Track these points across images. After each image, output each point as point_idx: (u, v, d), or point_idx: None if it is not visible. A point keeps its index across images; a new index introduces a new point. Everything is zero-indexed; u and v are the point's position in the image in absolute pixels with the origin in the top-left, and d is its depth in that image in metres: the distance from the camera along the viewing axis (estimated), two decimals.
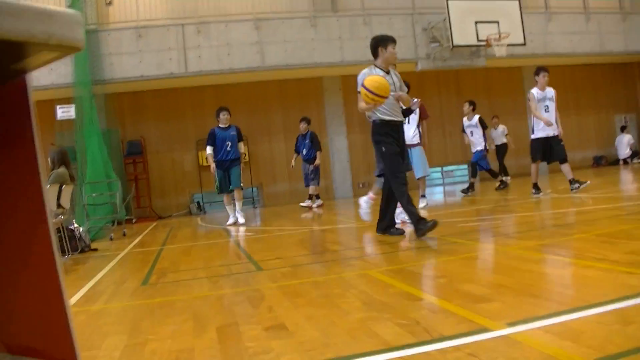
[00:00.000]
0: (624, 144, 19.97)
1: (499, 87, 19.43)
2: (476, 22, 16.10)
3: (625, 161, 19.79)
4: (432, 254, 5.16)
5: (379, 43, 6.34)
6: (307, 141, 13.58)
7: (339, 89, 17.83)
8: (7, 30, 0.90)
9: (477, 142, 13.03)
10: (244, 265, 5.69)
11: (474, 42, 16.12)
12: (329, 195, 17.40)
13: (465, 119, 13.18)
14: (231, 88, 16.84)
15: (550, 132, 9.69)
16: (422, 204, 9.89)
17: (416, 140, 9.81)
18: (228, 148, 10.36)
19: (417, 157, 9.67)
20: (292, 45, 15.60)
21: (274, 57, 15.56)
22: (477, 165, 13.29)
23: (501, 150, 14.39)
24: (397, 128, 6.19)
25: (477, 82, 18.83)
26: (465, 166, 18.46)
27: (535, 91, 9.86)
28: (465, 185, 13.64)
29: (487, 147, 13.25)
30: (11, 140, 1.22)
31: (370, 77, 5.86)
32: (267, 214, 13.90)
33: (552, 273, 3.84)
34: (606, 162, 20.45)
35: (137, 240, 9.82)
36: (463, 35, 15.97)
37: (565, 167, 9.77)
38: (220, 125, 10.53)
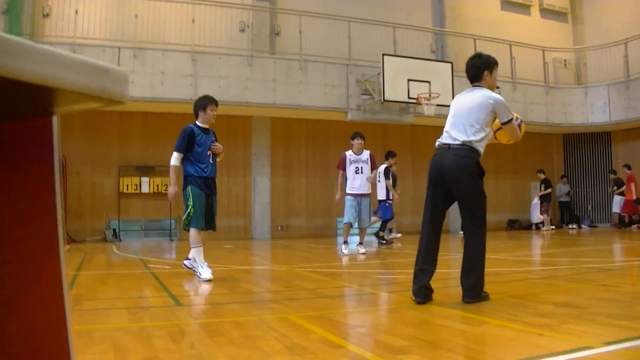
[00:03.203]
0: (538, 210, 21.78)
1: (424, 145, 20.83)
2: (409, 80, 17.53)
3: (537, 226, 21.59)
4: (351, 302, 5.64)
5: (206, 102, 7.41)
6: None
7: (267, 130, 18.81)
8: (71, 83, 1.01)
9: (379, 190, 14.53)
10: (163, 299, 5.86)
11: (404, 98, 17.53)
12: (246, 234, 18.26)
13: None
14: (160, 117, 17.32)
15: None
16: (361, 250, 11.47)
17: (369, 189, 11.65)
18: (211, 160, 7.44)
19: (367, 207, 11.48)
20: (226, 81, 16.28)
21: (207, 91, 15.24)
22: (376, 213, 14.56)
23: None
24: None
25: (404, 138, 20.26)
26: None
27: None
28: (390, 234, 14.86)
29: (391, 198, 14.47)
30: (35, 183, 1.32)
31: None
32: (185, 248, 13.44)
33: (467, 330, 4.14)
34: (519, 226, 22.24)
35: None
36: (395, 90, 17.32)
37: None
38: (200, 124, 7.51)
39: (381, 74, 17.28)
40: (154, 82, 15.90)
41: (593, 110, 21.99)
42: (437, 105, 17.59)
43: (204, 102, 7.45)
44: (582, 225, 22.85)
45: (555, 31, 25.19)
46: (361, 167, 11.45)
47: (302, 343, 3.65)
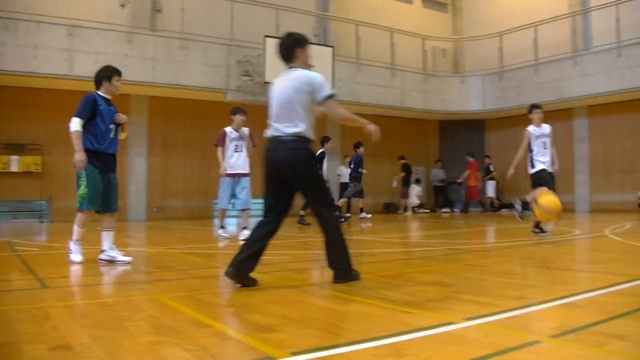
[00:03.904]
0: (413, 195, 22.62)
1: None
2: None
3: (413, 210, 22.46)
4: (222, 283, 5.43)
5: (112, 72, 7.07)
6: None
7: (145, 109, 18.56)
8: None
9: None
10: (28, 281, 5.63)
11: None
12: (121, 216, 17.87)
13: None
14: (33, 92, 16.85)
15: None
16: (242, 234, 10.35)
17: (248, 168, 10.93)
18: (112, 135, 7.05)
19: (247, 188, 10.85)
20: (104, 57, 15.35)
21: (83, 67, 15.53)
22: None
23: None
24: None
25: None
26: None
27: (531, 128, 10.36)
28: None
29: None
30: None
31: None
32: (56, 230, 13.63)
33: (335, 309, 4.29)
34: (394, 209, 23.05)
35: None
36: (275, 73, 17.00)
37: None
38: (103, 94, 7.07)
39: (262, 55, 17.38)
40: (26, 55, 15.30)
41: (468, 99, 23.12)
42: None
43: (109, 72, 7.05)
44: (455, 209, 23.90)
45: (435, 21, 26.20)
46: (241, 145, 10.79)
47: (170, 323, 3.69)
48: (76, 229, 6.96)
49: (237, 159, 10.78)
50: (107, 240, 7.04)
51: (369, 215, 17.89)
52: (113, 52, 16.17)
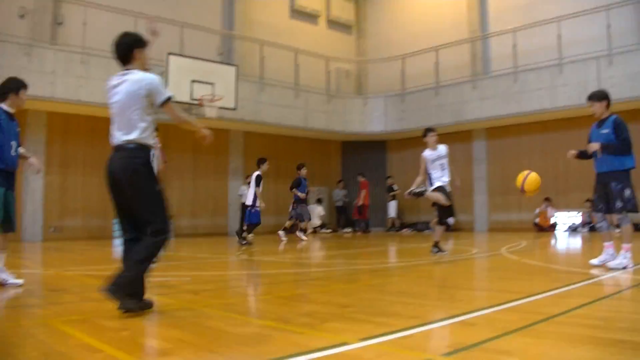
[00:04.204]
0: (316, 214, 22.74)
1: (206, 147, 20.94)
2: (193, 81, 17.70)
3: (314, 230, 22.57)
4: (115, 306, 5.04)
5: (20, 84, 6.71)
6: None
7: (44, 125, 17.84)
8: None
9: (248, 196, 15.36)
10: None
11: (187, 99, 17.64)
12: (15, 236, 17.12)
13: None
14: None
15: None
16: None
17: None
18: (13, 151, 6.67)
19: None
20: None
21: None
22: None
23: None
24: None
25: (185, 138, 19.41)
26: None
27: (427, 153, 10.54)
28: None
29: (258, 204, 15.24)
30: None
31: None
32: None
33: (231, 331, 4.18)
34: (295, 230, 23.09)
35: None
36: (178, 91, 17.25)
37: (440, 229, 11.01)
38: (6, 108, 6.71)
39: (165, 73, 17.21)
40: None
41: (371, 120, 23.47)
42: (220, 107, 17.92)
43: (18, 84, 6.65)
44: (357, 229, 24.12)
45: (340, 42, 26.58)
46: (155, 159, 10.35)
47: (61, 349, 3.55)
48: None
49: None
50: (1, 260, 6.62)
51: (305, 238, 17.50)
52: (9, 64, 15.37)
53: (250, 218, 15.27)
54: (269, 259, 11.17)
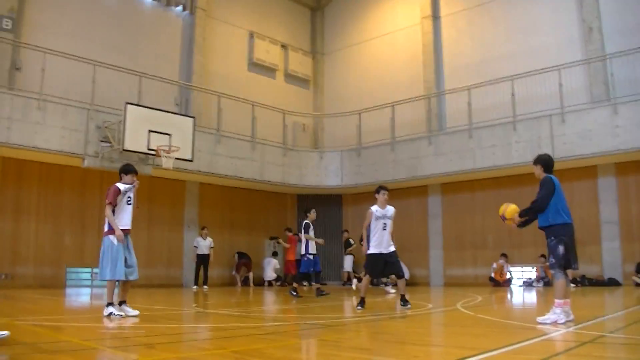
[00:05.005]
0: (271, 267, 22.69)
1: (162, 197, 21.03)
2: (150, 131, 17.56)
3: (270, 283, 22.48)
4: (67, 358, 5.15)
5: None
6: None
7: None
8: None
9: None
10: None
11: (144, 149, 17.48)
12: None
13: None
14: None
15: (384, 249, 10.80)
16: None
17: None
18: None
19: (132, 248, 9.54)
20: None
21: None
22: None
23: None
24: None
25: (141, 189, 19.39)
26: None
27: (374, 208, 10.77)
28: None
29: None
30: None
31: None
32: None
33: None
34: (251, 283, 22.93)
35: None
36: (135, 140, 17.22)
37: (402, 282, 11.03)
38: None
39: (123, 122, 17.14)
40: None
41: (327, 174, 23.59)
42: (177, 158, 17.83)
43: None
44: (312, 283, 23.96)
45: (297, 96, 26.91)
46: (131, 199, 9.65)
47: None
48: None
49: (128, 214, 9.56)
50: None
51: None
52: None
53: (301, 267, 15.60)
54: (223, 312, 11.03)
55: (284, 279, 23.73)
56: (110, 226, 9.24)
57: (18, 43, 18.18)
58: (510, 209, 8.66)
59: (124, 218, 9.45)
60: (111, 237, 9.20)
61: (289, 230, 23.11)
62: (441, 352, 5.95)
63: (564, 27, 20.25)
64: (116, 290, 9.30)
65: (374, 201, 10.94)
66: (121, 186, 9.54)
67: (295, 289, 15.14)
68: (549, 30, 20.66)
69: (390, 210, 10.81)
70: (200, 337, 7.51)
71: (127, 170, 9.77)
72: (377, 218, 10.65)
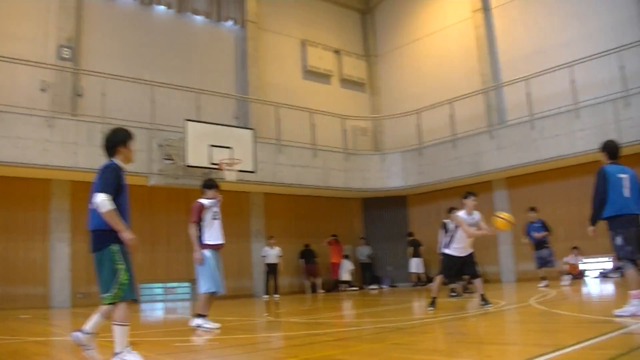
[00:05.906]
0: (345, 270, 23.21)
1: (227, 210, 21.02)
2: (211, 145, 17.79)
3: (343, 284, 22.70)
4: None
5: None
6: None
7: (67, 194, 18.04)
8: None
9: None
10: None
11: (206, 164, 17.73)
12: (44, 303, 17.28)
13: None
14: None
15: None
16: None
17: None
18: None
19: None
20: (24, 142, 15.58)
21: (2, 152, 15.33)
22: None
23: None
24: None
25: None
26: (188, 284, 19.48)
27: (462, 214, 10.87)
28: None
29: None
30: None
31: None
32: None
33: None
34: (319, 289, 23.02)
35: None
36: (197, 156, 17.54)
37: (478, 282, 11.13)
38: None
39: (184, 138, 17.48)
40: None
41: (390, 176, 23.48)
42: (239, 171, 18.02)
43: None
44: (383, 286, 23.98)
45: (354, 100, 26.89)
46: (218, 213, 9.83)
47: None
48: None
49: (218, 229, 9.78)
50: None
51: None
52: (34, 137, 15.88)
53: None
54: (294, 320, 11.09)
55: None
56: (202, 241, 9.46)
57: (78, 70, 18.71)
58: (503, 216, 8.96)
59: (214, 234, 9.64)
60: (205, 251, 9.41)
61: (333, 235, 23.34)
62: (516, 351, 5.86)
63: (621, 8, 19.70)
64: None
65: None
66: (204, 201, 9.77)
67: (453, 290, 14.64)
68: (605, 12, 20.10)
69: (477, 215, 10.81)
70: (273, 346, 7.52)
71: (210, 185, 10.05)
72: (470, 225, 10.64)
